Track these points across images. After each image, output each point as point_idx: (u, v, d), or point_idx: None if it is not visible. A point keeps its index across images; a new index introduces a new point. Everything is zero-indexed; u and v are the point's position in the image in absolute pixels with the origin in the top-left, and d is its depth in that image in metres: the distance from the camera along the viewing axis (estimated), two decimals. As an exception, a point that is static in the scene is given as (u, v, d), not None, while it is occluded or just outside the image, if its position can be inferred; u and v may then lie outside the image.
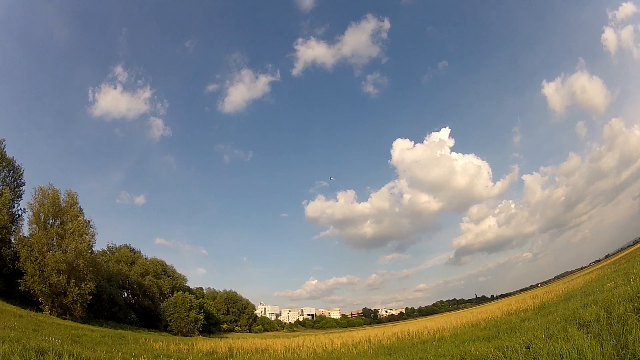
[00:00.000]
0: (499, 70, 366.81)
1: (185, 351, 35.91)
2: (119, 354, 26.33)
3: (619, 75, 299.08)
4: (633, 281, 23.20)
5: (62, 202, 72.87)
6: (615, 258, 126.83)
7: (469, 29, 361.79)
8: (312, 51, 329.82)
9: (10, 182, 72.52)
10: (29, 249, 64.89)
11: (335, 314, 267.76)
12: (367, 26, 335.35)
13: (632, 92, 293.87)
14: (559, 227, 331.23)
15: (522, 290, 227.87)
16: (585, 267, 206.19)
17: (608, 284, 31.30)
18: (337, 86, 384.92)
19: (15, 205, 72.29)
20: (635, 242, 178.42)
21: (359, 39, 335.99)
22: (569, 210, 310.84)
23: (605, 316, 16.35)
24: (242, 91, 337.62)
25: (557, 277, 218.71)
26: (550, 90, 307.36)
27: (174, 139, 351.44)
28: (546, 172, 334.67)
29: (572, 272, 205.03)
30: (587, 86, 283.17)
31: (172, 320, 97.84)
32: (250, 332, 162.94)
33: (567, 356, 12.58)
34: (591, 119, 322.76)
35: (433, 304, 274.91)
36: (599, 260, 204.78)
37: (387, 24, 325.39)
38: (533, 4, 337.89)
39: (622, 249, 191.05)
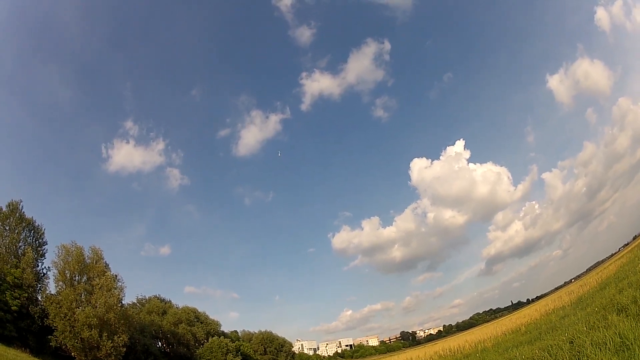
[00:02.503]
0: (501, 71, 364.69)
1: None
2: None
3: (618, 53, 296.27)
4: None
5: (87, 258, 73.40)
6: None
7: (465, 35, 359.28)
8: (318, 84, 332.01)
9: (32, 241, 73.38)
10: (57, 305, 65.18)
11: (374, 342, 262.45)
12: (368, 50, 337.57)
13: (633, 67, 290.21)
14: (584, 218, 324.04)
15: (556, 288, 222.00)
16: (615, 253, 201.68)
17: (639, 265, 31.55)
18: (347, 115, 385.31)
19: (39, 264, 73.22)
20: None
21: (362, 65, 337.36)
22: (591, 199, 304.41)
23: None
24: (255, 132, 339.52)
25: (589, 269, 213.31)
26: (555, 82, 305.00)
27: (193, 188, 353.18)
28: (564, 166, 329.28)
29: (603, 261, 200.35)
30: (590, 71, 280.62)
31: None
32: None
33: (610, 342, 12.58)
34: (599, 103, 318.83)
35: (470, 318, 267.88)
36: (627, 244, 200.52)
37: (387, 45, 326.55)
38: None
39: None
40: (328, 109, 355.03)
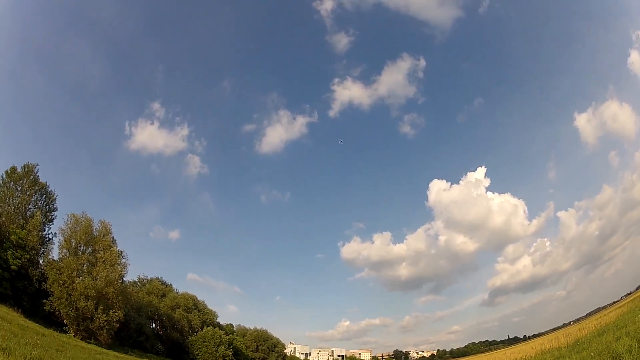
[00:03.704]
0: (531, 103, 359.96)
1: None
2: None
3: None
4: None
5: (95, 230, 74.18)
6: None
7: (500, 63, 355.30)
8: (349, 92, 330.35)
9: (43, 206, 74.22)
10: (58, 272, 65.98)
11: (366, 356, 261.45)
12: (403, 65, 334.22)
13: None
14: (593, 262, 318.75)
15: (554, 329, 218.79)
16: (617, 300, 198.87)
17: (639, 316, 32.31)
18: (374, 127, 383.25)
19: (46, 228, 73.98)
20: None
21: (396, 79, 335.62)
22: (602, 243, 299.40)
23: (636, 346, 16.84)
24: (280, 132, 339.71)
25: (589, 314, 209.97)
26: (583, 121, 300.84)
27: (211, 177, 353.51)
28: (580, 207, 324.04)
29: (604, 308, 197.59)
30: (618, 114, 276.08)
31: (200, 354, 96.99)
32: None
33: None
34: (623, 147, 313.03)
35: (465, 346, 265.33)
36: (630, 293, 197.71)
37: (422, 62, 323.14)
38: (560, 33, 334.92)
39: None
40: (356, 118, 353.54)
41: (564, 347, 36.53)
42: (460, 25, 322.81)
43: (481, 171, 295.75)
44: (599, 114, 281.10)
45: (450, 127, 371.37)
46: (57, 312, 64.67)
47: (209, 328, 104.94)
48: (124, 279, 79.56)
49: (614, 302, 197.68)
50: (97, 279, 68.60)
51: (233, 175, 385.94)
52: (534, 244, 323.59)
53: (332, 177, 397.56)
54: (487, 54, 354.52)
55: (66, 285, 64.69)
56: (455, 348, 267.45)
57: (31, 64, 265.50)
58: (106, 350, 59.09)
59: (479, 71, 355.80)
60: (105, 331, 66.67)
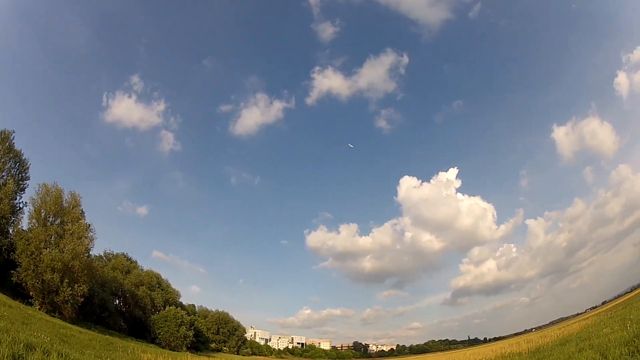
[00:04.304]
0: (511, 112, 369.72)
1: None
2: (108, 359, 25.10)
3: (630, 121, 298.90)
4: (629, 326, 23.88)
5: (64, 202, 73.14)
6: (612, 305, 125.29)
7: (485, 68, 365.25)
8: (329, 81, 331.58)
9: (15, 174, 72.44)
10: (26, 242, 64.93)
11: (326, 345, 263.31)
12: (385, 60, 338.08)
13: None
14: (559, 272, 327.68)
15: (516, 334, 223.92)
16: (581, 313, 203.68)
17: (604, 330, 31.44)
18: (350, 118, 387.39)
19: (18, 197, 72.18)
20: (632, 289, 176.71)
21: (377, 73, 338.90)
22: (570, 256, 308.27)
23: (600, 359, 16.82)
24: (256, 115, 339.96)
25: (552, 323, 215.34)
26: (561, 134, 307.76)
27: (183, 155, 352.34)
28: (550, 217, 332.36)
29: (567, 318, 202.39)
30: (598, 131, 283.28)
31: (162, 334, 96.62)
32: (238, 354, 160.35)
33: None
34: (599, 164, 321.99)
35: (425, 343, 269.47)
36: (595, 307, 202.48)
37: (405, 59, 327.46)
38: (548, 47, 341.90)
39: (619, 296, 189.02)
40: (333, 108, 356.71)
41: (525, 353, 36.88)
42: (448, 27, 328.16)
43: (453, 172, 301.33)
44: (578, 128, 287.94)
45: (426, 125, 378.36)
46: (23, 284, 63.72)
47: (171, 307, 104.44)
48: (91, 252, 78.79)
49: (578, 314, 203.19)
50: (63, 252, 67.70)
51: (205, 154, 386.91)
52: (500, 249, 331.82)
53: (304, 164, 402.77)
54: (473, 58, 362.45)
55: (34, 256, 63.70)
56: (415, 344, 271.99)
57: (12, 30, 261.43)
58: (70, 325, 58.49)
59: (462, 74, 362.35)
60: (69, 305, 66.06)
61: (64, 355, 23.99)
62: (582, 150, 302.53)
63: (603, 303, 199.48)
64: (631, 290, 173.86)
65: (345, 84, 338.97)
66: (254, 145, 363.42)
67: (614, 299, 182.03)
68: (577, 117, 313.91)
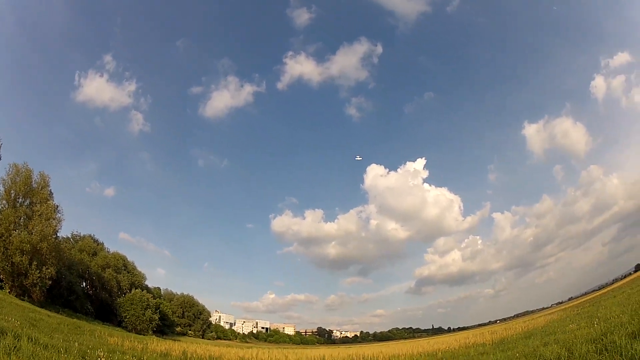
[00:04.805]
0: (483, 107, 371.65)
1: (139, 349, 34.85)
2: (76, 344, 25.78)
3: (604, 123, 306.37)
4: (597, 324, 23.45)
5: (34, 183, 71.83)
6: (578, 301, 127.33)
7: (460, 63, 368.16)
8: (301, 67, 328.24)
9: (-15, 153, 70.82)
10: (-4, 224, 63.61)
11: (290, 330, 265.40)
12: (359, 49, 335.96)
13: (615, 141, 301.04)
14: (524, 266, 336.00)
15: (480, 325, 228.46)
16: (547, 307, 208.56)
17: (570, 325, 31.63)
18: (320, 105, 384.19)
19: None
20: (600, 288, 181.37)
21: (349, 61, 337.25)
22: (536, 250, 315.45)
23: (566, 355, 16.67)
24: (226, 98, 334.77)
25: (517, 316, 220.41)
26: (532, 131, 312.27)
27: (152, 136, 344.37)
28: (517, 212, 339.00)
29: (533, 312, 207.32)
30: (570, 131, 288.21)
31: (128, 317, 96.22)
32: (203, 338, 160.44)
33: None
34: (570, 163, 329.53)
35: (388, 331, 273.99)
36: (561, 302, 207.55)
37: (379, 49, 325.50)
38: (525, 46, 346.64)
39: (586, 293, 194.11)
40: (303, 93, 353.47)
41: (489, 344, 37.17)
42: (425, 20, 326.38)
43: (421, 162, 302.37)
44: (550, 127, 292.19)
45: (396, 115, 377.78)
46: (-6, 267, 63.11)
47: (137, 290, 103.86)
48: (58, 234, 77.97)
49: (543, 309, 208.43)
50: (32, 233, 67.04)
51: (174, 136, 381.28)
52: (466, 240, 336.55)
53: (272, 148, 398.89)
54: (447, 52, 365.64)
55: (3, 238, 62.98)
56: (378, 331, 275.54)
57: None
58: (39, 309, 58.07)
59: (435, 67, 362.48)
60: (38, 288, 65.50)
61: (34, 339, 23.95)
62: (553, 149, 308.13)
63: (569, 299, 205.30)
64: (599, 289, 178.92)
65: (317, 71, 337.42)
66: (223, 128, 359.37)
67: (581, 296, 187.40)
68: (549, 116, 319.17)
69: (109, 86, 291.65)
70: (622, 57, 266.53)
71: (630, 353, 13.00)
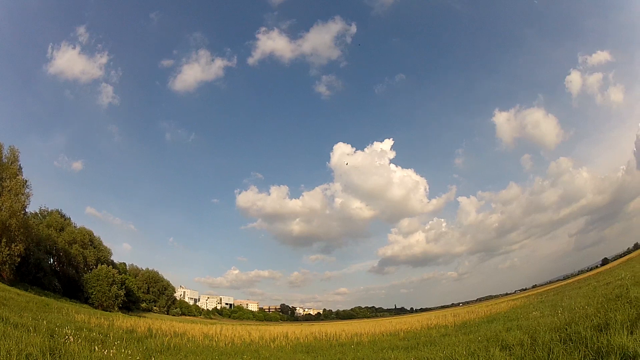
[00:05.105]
0: (454, 92, 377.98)
1: (105, 326, 35.30)
2: (44, 322, 26.01)
3: (577, 118, 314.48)
4: (561, 313, 23.61)
5: (4, 157, 70.47)
6: (542, 289, 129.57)
7: (434, 47, 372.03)
8: (273, 43, 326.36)
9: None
10: (-33, 201, 62.54)
11: (253, 307, 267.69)
12: (333, 27, 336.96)
13: (587, 135, 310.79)
14: (488, 251, 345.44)
15: (443, 307, 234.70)
16: (510, 293, 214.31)
17: (534, 313, 31.92)
18: (290, 82, 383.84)
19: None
20: (565, 278, 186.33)
21: (322, 39, 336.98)
22: (501, 236, 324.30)
23: (529, 342, 16.69)
24: (196, 71, 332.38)
25: (480, 300, 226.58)
26: (502, 119, 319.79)
27: (121, 109, 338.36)
28: (483, 197, 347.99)
29: (496, 297, 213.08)
30: (541, 122, 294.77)
31: (94, 293, 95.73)
32: (168, 314, 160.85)
33: None
34: (539, 153, 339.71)
35: (351, 309, 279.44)
36: (525, 289, 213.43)
37: (353, 29, 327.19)
38: (501, 35, 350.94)
39: (550, 282, 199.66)
40: (274, 70, 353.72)
41: (451, 326, 37.34)
42: (401, 2, 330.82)
43: (388, 143, 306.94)
44: (521, 116, 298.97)
45: (366, 95, 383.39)
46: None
47: (102, 266, 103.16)
48: (26, 210, 77.01)
49: (506, 294, 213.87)
50: (1, 210, 66.20)
51: (142, 109, 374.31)
52: (430, 222, 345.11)
53: (239, 124, 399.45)
54: (422, 35, 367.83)
55: (-26, 215, 62.20)
56: (341, 310, 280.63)
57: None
58: (9, 287, 57.88)
59: (408, 49, 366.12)
60: (7, 266, 65.02)
61: (4, 319, 24.64)
62: (522, 138, 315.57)
63: (533, 286, 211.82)
64: (564, 279, 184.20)
65: (289, 47, 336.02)
66: (192, 102, 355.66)
67: (545, 284, 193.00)
68: (521, 105, 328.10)
69: (80, 58, 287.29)
70: (601, 56, 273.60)
71: (596, 345, 13.07)
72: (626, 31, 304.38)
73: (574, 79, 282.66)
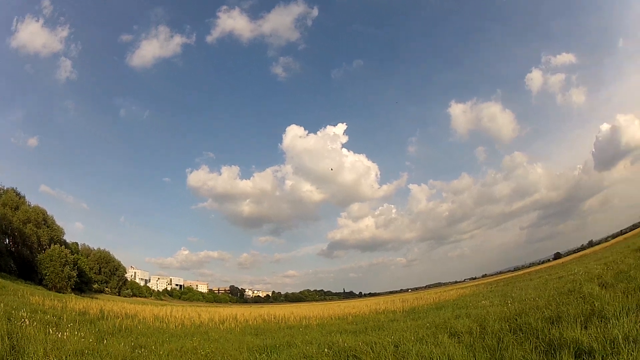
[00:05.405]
0: (412, 80, 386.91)
1: (59, 308, 35.02)
2: (1, 304, 26.18)
3: (535, 115, 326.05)
4: (511, 304, 23.77)
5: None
6: (492, 279, 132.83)
7: (395, 34, 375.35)
8: (233, 22, 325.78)
9: None
10: None
11: (203, 288, 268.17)
12: (295, 10, 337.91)
13: (545, 133, 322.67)
14: (438, 239, 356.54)
15: (391, 292, 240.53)
16: (460, 282, 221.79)
17: (483, 302, 32.17)
18: (247, 61, 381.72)
19: None
20: (516, 269, 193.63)
21: (283, 21, 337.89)
22: (451, 225, 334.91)
23: (478, 330, 16.82)
24: (154, 47, 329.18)
25: (429, 286, 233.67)
26: (458, 110, 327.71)
27: (79, 84, 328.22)
28: (435, 186, 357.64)
29: (445, 284, 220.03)
30: (498, 116, 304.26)
31: (47, 275, 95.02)
32: (119, 295, 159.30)
33: (437, 359, 13.15)
34: (493, 146, 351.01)
35: (300, 292, 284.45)
36: (474, 278, 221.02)
37: (315, 12, 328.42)
38: (464, 27, 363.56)
39: (501, 272, 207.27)
40: (232, 49, 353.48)
41: (400, 312, 37.49)
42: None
43: (341, 127, 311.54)
44: (478, 109, 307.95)
45: (322, 79, 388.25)
46: None
47: (55, 246, 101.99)
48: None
49: (455, 282, 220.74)
50: (-41, 190, 65.46)
51: (99, 84, 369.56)
52: (380, 208, 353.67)
53: (194, 102, 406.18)
54: (383, 23, 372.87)
55: None
56: (290, 292, 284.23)
57: None
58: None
59: (368, 36, 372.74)
60: (-35, 248, 64.43)
61: None
62: (477, 130, 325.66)
63: (483, 276, 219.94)
64: (515, 270, 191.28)
65: (248, 27, 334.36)
66: (148, 78, 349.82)
67: (496, 275, 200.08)
68: (478, 98, 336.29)
69: (43, 31, 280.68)
70: (566, 58, 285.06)
71: (548, 337, 13.13)
72: (594, 35, 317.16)
73: (535, 77, 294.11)
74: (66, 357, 14.87)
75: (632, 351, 10.14)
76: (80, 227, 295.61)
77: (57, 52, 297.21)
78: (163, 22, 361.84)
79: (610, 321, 12.84)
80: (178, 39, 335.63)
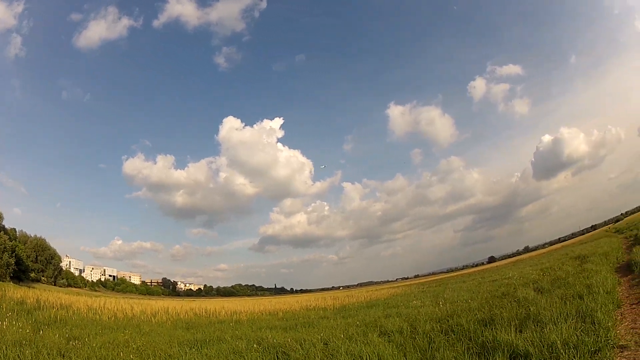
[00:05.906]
0: (352, 79, 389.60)
1: None
2: None
3: (474, 122, 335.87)
4: (443, 305, 23.91)
5: None
6: (424, 280, 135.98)
7: (342, 31, 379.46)
8: (181, 7, 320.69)
9: None
10: None
11: (136, 279, 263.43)
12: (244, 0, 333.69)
13: (483, 140, 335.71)
14: (370, 238, 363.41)
15: (323, 289, 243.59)
16: (392, 281, 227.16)
17: (415, 302, 31.83)
18: (190, 49, 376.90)
19: None
20: (449, 271, 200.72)
21: (230, 10, 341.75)
22: (384, 225, 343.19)
23: (409, 330, 16.92)
24: (102, 28, 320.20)
25: (360, 285, 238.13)
26: (396, 112, 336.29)
27: (27, 62, 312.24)
28: (369, 185, 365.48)
29: (377, 283, 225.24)
30: (437, 121, 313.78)
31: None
32: (55, 285, 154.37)
33: (366, 358, 13.05)
34: (430, 149, 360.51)
35: (232, 286, 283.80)
36: (407, 278, 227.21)
37: (264, 5, 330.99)
38: (413, 28, 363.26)
39: (433, 273, 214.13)
40: (177, 35, 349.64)
41: (330, 309, 37.54)
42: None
43: (278, 122, 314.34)
44: (417, 112, 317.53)
45: (263, 72, 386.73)
46: None
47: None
48: None
49: (387, 281, 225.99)
50: None
51: (45, 63, 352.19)
52: (313, 205, 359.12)
53: (134, 87, 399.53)
54: (332, 18, 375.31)
55: None
56: (222, 286, 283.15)
57: None
58: None
59: (314, 31, 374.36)
60: None
61: None
62: (415, 133, 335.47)
63: (415, 276, 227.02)
64: (447, 271, 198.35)
65: (196, 14, 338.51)
66: (92, 60, 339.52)
67: (428, 275, 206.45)
68: (418, 101, 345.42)
69: (1, 6, 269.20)
70: (512, 69, 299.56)
71: (481, 339, 13.02)
72: (546, 49, 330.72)
73: (478, 85, 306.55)
74: (6, 347, 15.30)
75: (574, 357, 10.28)
76: (19, 213, 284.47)
77: (10, 27, 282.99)
78: (113, 2, 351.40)
79: (547, 326, 12.82)
80: (125, 21, 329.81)
